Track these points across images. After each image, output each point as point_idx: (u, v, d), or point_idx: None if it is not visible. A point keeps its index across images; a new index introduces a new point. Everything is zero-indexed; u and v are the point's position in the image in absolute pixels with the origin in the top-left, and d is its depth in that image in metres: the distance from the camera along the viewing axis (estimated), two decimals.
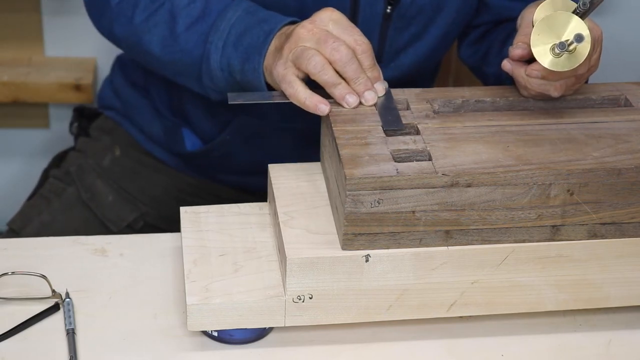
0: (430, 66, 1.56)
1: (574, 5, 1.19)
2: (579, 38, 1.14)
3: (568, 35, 1.15)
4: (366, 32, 1.39)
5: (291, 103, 1.23)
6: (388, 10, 1.41)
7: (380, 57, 1.44)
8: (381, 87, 1.23)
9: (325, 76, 1.20)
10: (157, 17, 1.36)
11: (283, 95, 1.23)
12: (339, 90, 1.21)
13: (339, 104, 1.21)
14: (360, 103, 1.22)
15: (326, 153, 1.23)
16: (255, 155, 1.53)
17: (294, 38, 1.22)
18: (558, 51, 1.15)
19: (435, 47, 1.47)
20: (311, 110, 1.21)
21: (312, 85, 1.22)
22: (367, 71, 1.22)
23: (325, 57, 1.20)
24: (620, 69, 1.98)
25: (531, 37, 1.17)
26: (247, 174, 1.58)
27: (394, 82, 1.34)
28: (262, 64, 1.27)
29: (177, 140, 1.58)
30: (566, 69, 1.16)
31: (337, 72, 1.21)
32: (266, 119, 1.50)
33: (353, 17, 1.39)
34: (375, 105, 1.22)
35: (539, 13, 1.20)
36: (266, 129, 1.51)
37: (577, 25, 1.16)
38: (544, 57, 1.17)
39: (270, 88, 1.28)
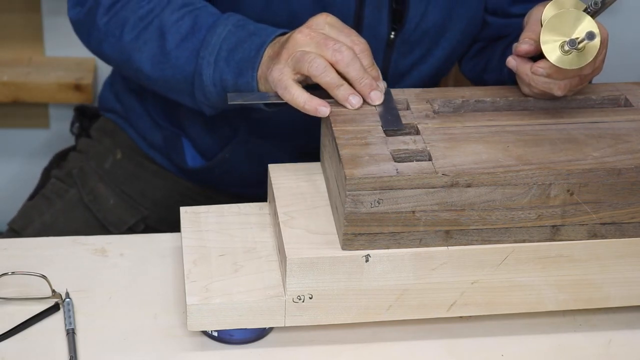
0: (433, 84, 1.55)
1: (582, 4, 1.19)
2: (591, 36, 1.14)
3: (578, 34, 1.15)
4: None
5: (290, 107, 1.22)
6: (392, 36, 1.40)
7: (384, 80, 1.43)
8: (382, 86, 1.23)
9: (328, 78, 1.19)
10: (146, 35, 1.34)
11: None
12: (342, 91, 1.20)
13: (341, 105, 1.21)
14: (364, 103, 1.21)
15: (326, 153, 1.23)
16: (255, 171, 1.52)
17: (292, 43, 1.21)
18: (567, 48, 1.15)
19: (438, 68, 1.47)
20: (311, 114, 1.20)
21: (310, 89, 1.22)
22: (367, 70, 1.22)
23: (326, 59, 1.19)
24: (620, 69, 1.98)
25: (541, 33, 1.17)
26: (248, 185, 1.58)
27: None
28: (256, 77, 1.26)
29: (177, 151, 1.57)
30: (574, 67, 1.16)
31: (339, 74, 1.20)
32: (266, 137, 1.50)
33: None
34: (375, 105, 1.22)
35: (547, 12, 1.20)
36: (266, 147, 1.51)
37: (588, 24, 1.15)
38: (552, 53, 1.16)
39: None
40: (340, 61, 1.19)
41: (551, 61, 1.16)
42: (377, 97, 1.21)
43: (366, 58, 1.22)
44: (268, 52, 1.26)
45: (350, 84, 1.21)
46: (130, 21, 1.35)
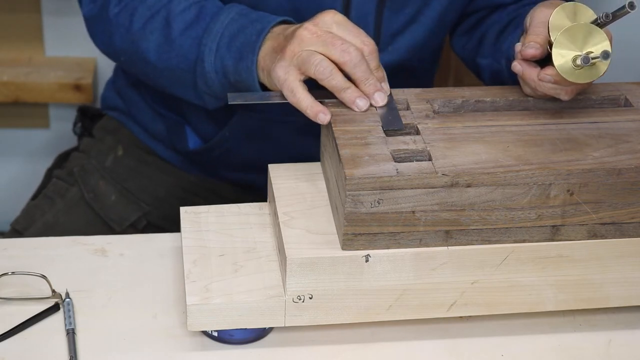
0: (429, 52, 1.55)
1: (587, 10, 1.19)
2: (605, 55, 1.14)
3: (591, 48, 1.15)
4: (361, 16, 1.39)
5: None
6: None
7: (377, 40, 1.43)
8: (386, 87, 1.23)
9: (334, 81, 1.19)
10: (153, 24, 1.36)
11: (283, 95, 1.23)
12: (348, 94, 1.20)
13: (342, 105, 1.21)
14: (370, 105, 1.21)
15: (326, 153, 1.23)
16: (255, 151, 1.53)
17: (297, 40, 1.21)
18: (580, 63, 1.15)
19: (431, 30, 1.47)
20: (311, 118, 1.20)
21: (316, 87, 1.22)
22: (373, 72, 1.22)
23: (332, 61, 1.19)
24: (620, 69, 1.98)
25: (553, 46, 1.16)
26: (249, 170, 1.58)
27: (391, 67, 1.34)
28: (256, 62, 1.26)
29: (180, 137, 1.58)
30: (586, 81, 1.16)
31: (345, 75, 1.20)
32: (265, 114, 1.50)
33: (348, 1, 1.39)
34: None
35: (555, 18, 1.19)
36: (266, 124, 1.51)
37: (603, 41, 1.16)
38: (564, 66, 1.16)
39: (264, 88, 1.28)
40: (348, 62, 1.19)
41: (562, 75, 1.16)
42: (380, 99, 1.21)
43: (374, 60, 1.22)
44: (270, 42, 1.26)
45: (356, 85, 1.21)
46: (139, 10, 1.37)
